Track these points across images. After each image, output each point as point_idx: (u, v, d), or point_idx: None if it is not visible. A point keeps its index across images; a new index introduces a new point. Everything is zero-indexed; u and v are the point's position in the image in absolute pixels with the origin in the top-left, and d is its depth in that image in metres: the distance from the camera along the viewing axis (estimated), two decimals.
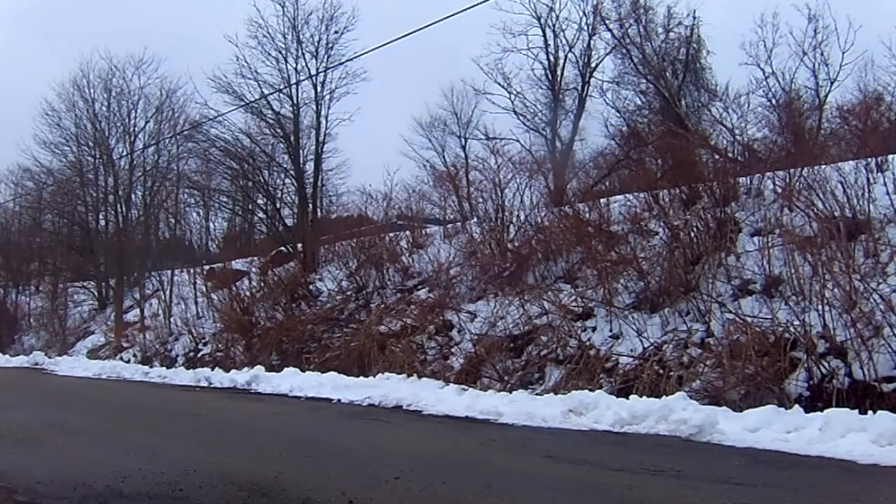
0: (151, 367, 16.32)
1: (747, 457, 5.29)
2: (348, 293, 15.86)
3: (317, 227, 19.60)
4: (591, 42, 20.00)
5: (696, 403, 6.84)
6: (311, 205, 20.19)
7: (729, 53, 25.21)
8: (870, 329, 7.27)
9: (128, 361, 18.01)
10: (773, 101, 16.80)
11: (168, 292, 20.85)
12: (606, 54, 20.19)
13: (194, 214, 28.20)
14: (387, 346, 12.25)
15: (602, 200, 13.63)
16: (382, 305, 14.25)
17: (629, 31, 19.83)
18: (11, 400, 10.49)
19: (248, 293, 17.85)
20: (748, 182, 11.57)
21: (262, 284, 18.26)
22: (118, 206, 25.09)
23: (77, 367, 17.22)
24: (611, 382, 8.79)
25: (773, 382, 7.33)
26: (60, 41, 48.26)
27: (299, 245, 19.30)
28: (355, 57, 17.55)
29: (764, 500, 4.16)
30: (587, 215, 13.03)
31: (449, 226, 17.00)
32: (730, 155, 13.80)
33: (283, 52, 19.71)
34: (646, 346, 9.08)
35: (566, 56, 20.20)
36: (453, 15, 10.40)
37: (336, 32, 19.69)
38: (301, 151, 20.32)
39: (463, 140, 25.64)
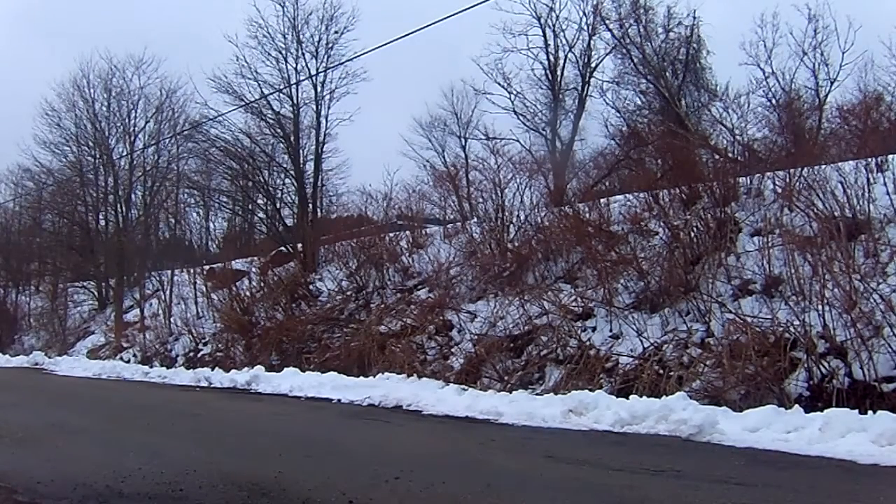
0: (151, 367, 16.32)
1: (747, 457, 5.29)
2: (348, 293, 15.86)
3: (317, 227, 19.61)
4: (591, 42, 20.04)
5: (696, 403, 6.84)
6: (311, 205, 20.19)
7: (729, 53, 25.26)
8: (870, 329, 7.27)
9: (128, 361, 18.01)
10: (773, 101, 16.82)
11: (168, 292, 20.85)
12: (606, 54, 20.24)
13: (194, 214, 28.29)
14: (387, 346, 12.25)
15: (602, 200, 13.63)
16: (382, 305, 14.25)
17: (629, 31, 19.86)
18: (11, 400, 10.49)
19: (248, 293, 17.85)
20: (748, 182, 11.57)
21: (262, 284, 18.26)
22: (118, 206, 25.10)
23: (77, 367, 17.22)
24: (611, 382, 8.79)
25: (773, 382, 7.33)
26: (60, 41, 48.30)
27: (299, 245, 19.30)
28: (355, 57, 17.60)
29: (764, 500, 4.16)
30: (587, 215, 13.04)
31: (449, 226, 17.01)
32: (730, 155, 13.81)
33: (283, 52, 19.75)
34: (646, 346, 9.08)
35: (566, 56, 20.25)
36: (453, 15, 10.43)
37: (336, 32, 19.73)
38: (301, 151, 20.36)
39: (463, 140, 25.71)
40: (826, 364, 7.30)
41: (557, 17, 20.00)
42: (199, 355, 17.10)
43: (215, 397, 10.86)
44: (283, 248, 19.89)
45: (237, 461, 5.53)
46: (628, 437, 6.35)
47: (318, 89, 19.68)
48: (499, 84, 20.45)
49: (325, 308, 15.76)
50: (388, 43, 11.93)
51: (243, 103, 19.64)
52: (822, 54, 17.04)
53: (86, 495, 4.46)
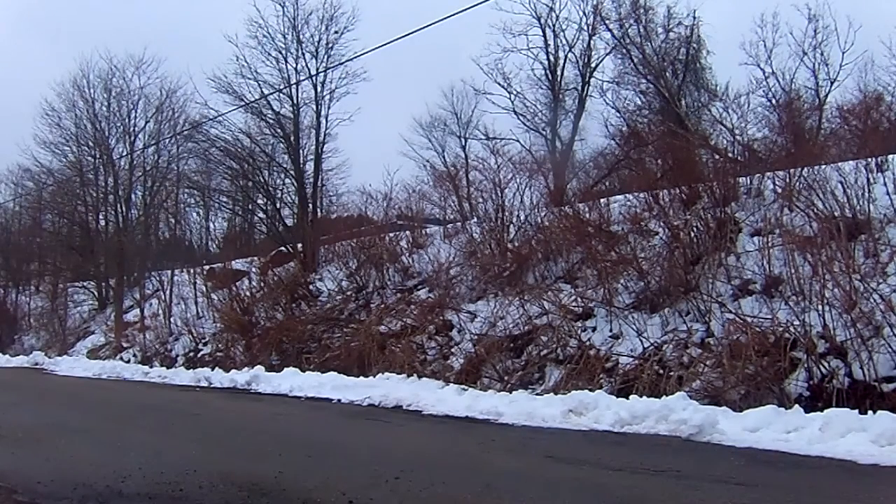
0: (151, 367, 16.31)
1: (747, 457, 5.29)
2: (348, 293, 15.86)
3: (317, 227, 19.60)
4: (591, 42, 20.06)
5: (696, 403, 6.84)
6: (311, 205, 20.19)
7: (729, 53, 25.25)
8: (870, 329, 7.28)
9: (128, 361, 18.01)
10: (773, 101, 16.83)
11: (168, 292, 20.85)
12: (606, 54, 20.26)
13: (194, 214, 28.28)
14: (387, 346, 12.25)
15: (602, 200, 13.63)
16: (382, 305, 14.25)
17: (629, 31, 19.87)
18: (11, 400, 10.49)
19: (248, 293, 17.85)
20: (748, 182, 11.57)
21: (262, 284, 18.26)
22: (118, 206, 25.10)
23: (77, 367, 17.20)
24: (611, 382, 8.79)
25: (773, 382, 7.33)
26: (60, 41, 48.30)
27: (299, 245, 19.30)
28: (355, 57, 17.59)
29: (764, 500, 4.16)
30: (587, 215, 13.03)
31: (449, 226, 16.99)
32: (730, 155, 13.79)
33: (283, 52, 19.73)
34: (646, 346, 9.08)
35: (566, 56, 20.27)
36: (453, 15, 10.44)
37: (336, 32, 19.71)
38: (301, 151, 20.35)
39: (463, 140, 25.72)
40: (826, 364, 7.30)
41: (557, 17, 20.06)
42: (199, 355, 17.10)
43: (215, 397, 10.86)
44: (283, 248, 19.89)
45: (237, 461, 5.53)
46: (628, 437, 6.35)
47: (318, 89, 19.70)
48: (499, 84, 20.50)
49: (325, 308, 15.76)
50: (388, 43, 11.96)
51: (243, 103, 19.65)
52: (822, 54, 17.11)
53: (86, 495, 4.46)
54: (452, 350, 11.64)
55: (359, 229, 17.69)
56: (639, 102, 20.28)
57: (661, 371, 8.44)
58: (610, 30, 19.88)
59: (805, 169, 10.27)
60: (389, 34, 22.56)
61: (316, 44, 19.73)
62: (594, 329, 10.14)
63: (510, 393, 8.89)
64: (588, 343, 9.77)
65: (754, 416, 6.42)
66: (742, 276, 9.42)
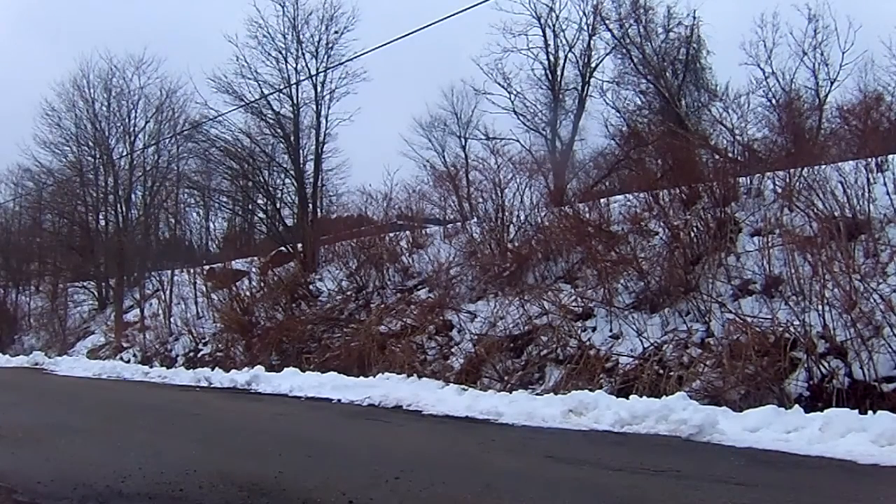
0: (151, 367, 16.31)
1: (747, 457, 5.29)
2: (348, 293, 15.86)
3: (317, 227, 19.60)
4: (591, 42, 20.06)
5: (696, 403, 6.84)
6: (311, 205, 20.19)
7: (729, 53, 25.27)
8: (870, 329, 7.27)
9: (128, 361, 18.00)
10: (773, 101, 16.82)
11: (168, 292, 20.85)
12: (606, 54, 20.25)
13: (194, 214, 28.29)
14: (387, 346, 12.25)
15: (602, 200, 13.63)
16: (382, 305, 14.25)
17: (629, 31, 19.87)
18: (11, 400, 10.49)
19: (248, 293, 17.85)
20: (748, 182, 11.56)
21: (262, 284, 18.26)
22: (118, 206, 25.11)
23: (77, 367, 17.19)
24: (611, 382, 8.79)
25: (773, 382, 7.33)
26: (60, 41, 48.28)
27: (299, 245, 19.30)
28: (355, 57, 17.60)
29: (764, 500, 4.16)
30: (587, 215, 13.03)
31: (449, 226, 17.00)
32: (730, 155, 13.79)
33: (283, 52, 19.74)
34: (646, 346, 9.08)
35: (566, 56, 20.26)
36: (453, 15, 10.44)
37: (336, 32, 19.72)
38: (301, 151, 20.35)
39: (463, 140, 25.73)
40: (826, 364, 7.30)
41: (557, 17, 20.04)
42: (199, 355, 17.10)
43: (215, 397, 10.86)
44: (283, 248, 19.89)
45: (237, 461, 5.53)
46: (628, 437, 6.35)
47: (318, 89, 19.70)
48: (499, 84, 20.49)
49: (325, 308, 15.76)
50: (388, 43, 11.96)
51: (243, 103, 19.66)
52: (822, 54, 17.10)
53: (86, 495, 4.46)
54: (452, 350, 11.64)
55: (359, 229, 17.69)
56: (639, 102, 20.32)
57: (661, 371, 8.44)
58: (610, 30, 19.91)
59: (805, 169, 10.27)
60: (389, 34, 22.58)
61: (316, 44, 19.78)
62: (594, 329, 10.14)
63: (510, 393, 8.89)
64: (588, 343, 9.77)
65: (754, 416, 6.42)
66: (742, 276, 9.42)
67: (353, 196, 20.72)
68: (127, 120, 25.17)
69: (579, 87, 20.30)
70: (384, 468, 4.99)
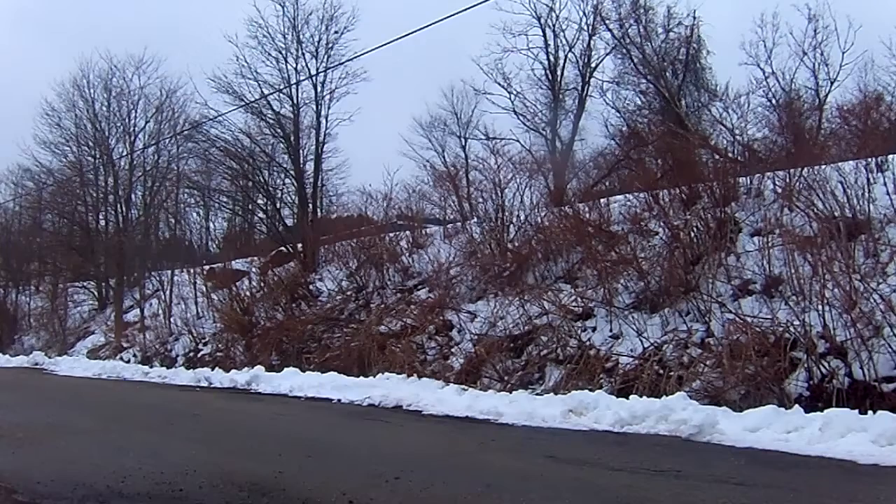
0: (151, 367, 16.31)
1: (747, 457, 5.29)
2: (348, 293, 15.86)
3: (317, 227, 19.61)
4: (591, 42, 20.04)
5: (696, 403, 6.84)
6: (311, 205, 20.21)
7: (729, 53, 25.21)
8: (870, 329, 7.27)
9: (128, 361, 18.01)
10: (773, 101, 16.80)
11: (168, 292, 20.86)
12: (606, 54, 20.23)
13: (194, 214, 28.27)
14: (387, 346, 12.25)
15: (602, 200, 13.63)
16: (382, 305, 14.25)
17: (629, 31, 19.85)
18: (12, 400, 10.49)
19: (248, 293, 17.85)
20: (748, 182, 11.56)
21: (262, 284, 18.26)
22: (118, 206, 25.09)
23: (77, 367, 17.19)
24: (611, 382, 8.79)
25: (773, 382, 7.33)
26: (60, 41, 48.26)
27: (299, 245, 19.30)
28: (355, 57, 17.59)
29: (764, 500, 4.16)
30: (587, 215, 13.03)
31: (449, 226, 17.00)
32: (730, 155, 13.79)
33: (283, 52, 19.77)
34: (646, 346, 9.08)
35: (566, 56, 20.24)
36: (453, 15, 10.43)
37: (336, 32, 19.75)
38: (301, 151, 20.38)
39: (463, 140, 25.66)
40: (826, 364, 7.30)
41: (557, 17, 20.02)
42: (199, 355, 17.10)
43: (215, 397, 10.86)
44: (283, 248, 19.90)
45: (237, 461, 5.53)
46: (628, 437, 6.35)
47: (318, 89, 19.73)
48: (499, 84, 20.47)
49: (325, 308, 15.76)
50: (388, 43, 11.95)
51: (243, 103, 19.67)
52: (822, 54, 17.05)
53: (86, 495, 4.46)
54: (452, 350, 11.64)
55: (359, 229, 17.67)
56: (639, 102, 20.29)
57: (661, 371, 8.45)
58: (610, 30, 19.89)
59: (805, 169, 10.27)
60: (389, 34, 22.56)
61: (316, 44, 19.80)
62: (594, 329, 10.15)
63: (510, 393, 8.88)
64: (588, 343, 9.77)
65: (754, 416, 6.41)
66: (742, 276, 9.42)
67: (353, 196, 20.81)
68: (127, 120, 25.20)
69: (579, 87, 20.31)
70: (384, 468, 4.99)
